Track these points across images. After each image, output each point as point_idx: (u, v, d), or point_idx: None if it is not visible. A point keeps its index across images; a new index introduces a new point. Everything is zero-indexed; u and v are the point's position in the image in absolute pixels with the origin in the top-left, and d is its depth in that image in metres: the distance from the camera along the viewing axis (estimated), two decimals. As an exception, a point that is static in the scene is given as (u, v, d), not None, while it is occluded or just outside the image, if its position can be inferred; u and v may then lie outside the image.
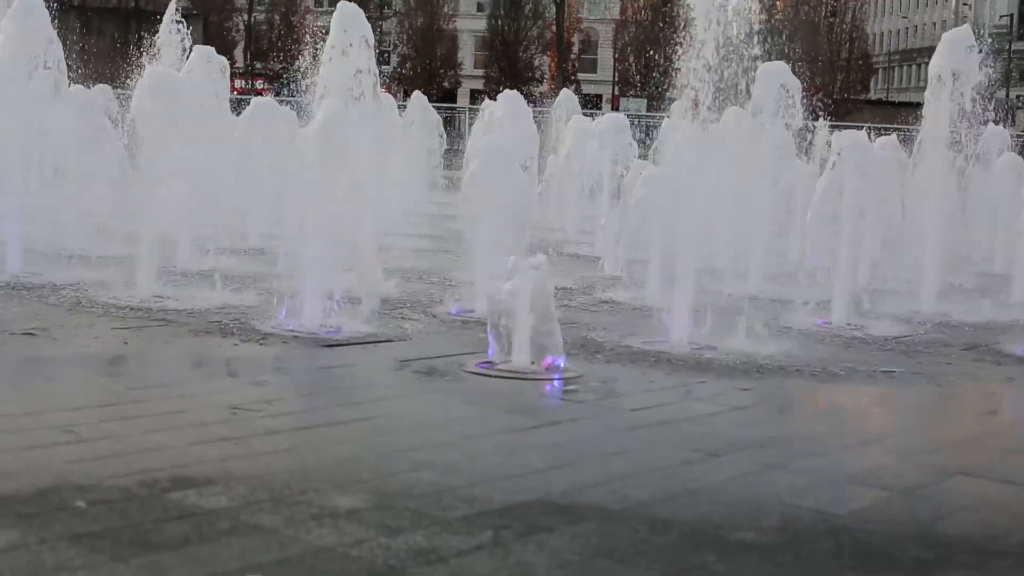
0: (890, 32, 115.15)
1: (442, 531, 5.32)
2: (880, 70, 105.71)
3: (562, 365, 9.18)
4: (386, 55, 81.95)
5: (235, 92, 46.30)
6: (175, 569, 4.69)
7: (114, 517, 5.26)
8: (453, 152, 30.64)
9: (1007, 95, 73.59)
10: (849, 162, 12.67)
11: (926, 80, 15.30)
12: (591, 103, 59.89)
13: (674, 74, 12.23)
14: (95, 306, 11.15)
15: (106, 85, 22.34)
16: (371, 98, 12.51)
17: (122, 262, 12.48)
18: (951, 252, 16.04)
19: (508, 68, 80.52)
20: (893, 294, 14.57)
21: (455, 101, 74.86)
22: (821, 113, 28.03)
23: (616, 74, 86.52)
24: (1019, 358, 11.20)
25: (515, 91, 12.17)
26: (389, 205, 19.25)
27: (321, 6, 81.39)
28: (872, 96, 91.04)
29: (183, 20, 19.78)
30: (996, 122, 20.10)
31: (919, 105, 15.60)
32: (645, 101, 69.63)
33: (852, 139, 12.87)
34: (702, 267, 11.35)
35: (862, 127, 16.47)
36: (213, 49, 18.68)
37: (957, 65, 14.58)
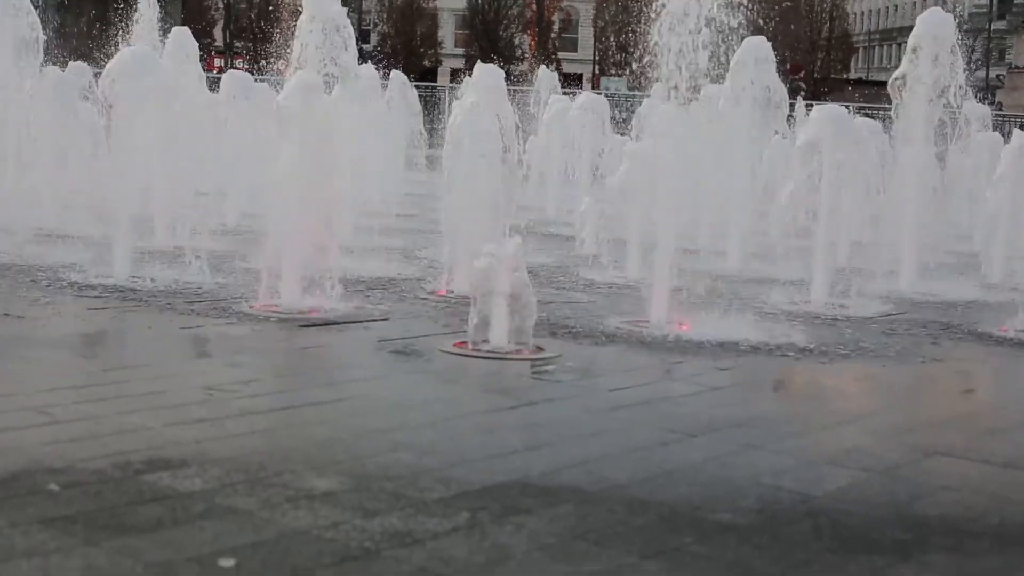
0: (870, 11, 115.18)
1: (418, 513, 5.29)
2: (860, 49, 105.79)
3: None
4: (366, 34, 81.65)
5: (214, 71, 46.11)
6: (148, 553, 4.65)
7: (87, 500, 5.21)
8: (433, 131, 30.53)
9: (987, 75, 73.70)
10: (829, 136, 12.62)
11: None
12: (571, 82, 59.78)
13: (653, 52, 12.16)
14: (71, 286, 11.08)
15: (83, 63, 22.18)
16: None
17: (98, 242, 12.41)
18: (930, 231, 16.05)
19: (488, 47, 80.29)
20: (872, 273, 14.56)
21: (435, 80, 74.68)
22: (802, 92, 28.03)
23: (596, 53, 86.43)
24: (997, 338, 11.20)
25: (491, 65, 12.15)
26: (368, 183, 19.15)
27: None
28: (852, 75, 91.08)
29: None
30: (979, 100, 20.12)
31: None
32: (625, 80, 69.49)
33: (832, 114, 12.82)
34: (682, 246, 11.31)
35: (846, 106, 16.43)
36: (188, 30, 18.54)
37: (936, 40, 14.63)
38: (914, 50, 14.82)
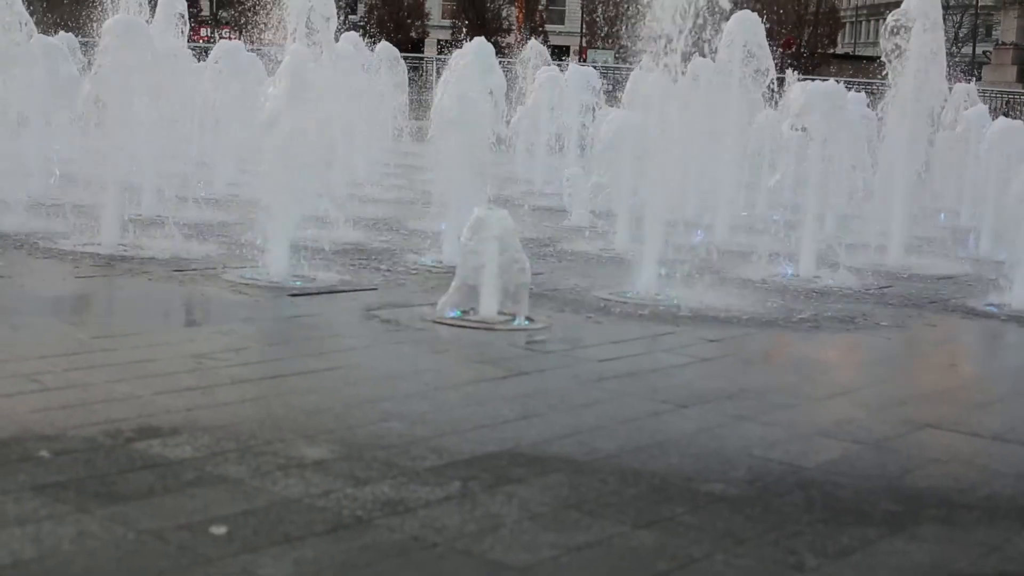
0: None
1: (410, 482, 5.28)
2: (847, 24, 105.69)
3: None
4: (353, 4, 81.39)
5: (200, 40, 45.89)
6: (140, 520, 4.63)
7: (79, 467, 5.20)
8: (419, 102, 30.47)
9: (973, 50, 73.74)
10: (819, 112, 12.62)
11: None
12: (559, 54, 59.66)
13: (641, 23, 12.11)
14: (59, 254, 11.04)
15: (70, 33, 22.08)
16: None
17: (86, 210, 12.36)
18: (918, 205, 16.06)
19: (476, 19, 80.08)
20: (860, 247, 14.58)
21: (422, 51, 74.51)
22: (791, 64, 28.01)
23: (584, 25, 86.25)
24: (985, 312, 11.22)
25: (483, 38, 12.12)
26: (355, 154, 19.11)
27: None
28: (839, 50, 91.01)
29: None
30: (967, 80, 20.08)
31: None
32: (612, 53, 69.36)
33: (824, 89, 12.81)
34: (671, 218, 11.29)
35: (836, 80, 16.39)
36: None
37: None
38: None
